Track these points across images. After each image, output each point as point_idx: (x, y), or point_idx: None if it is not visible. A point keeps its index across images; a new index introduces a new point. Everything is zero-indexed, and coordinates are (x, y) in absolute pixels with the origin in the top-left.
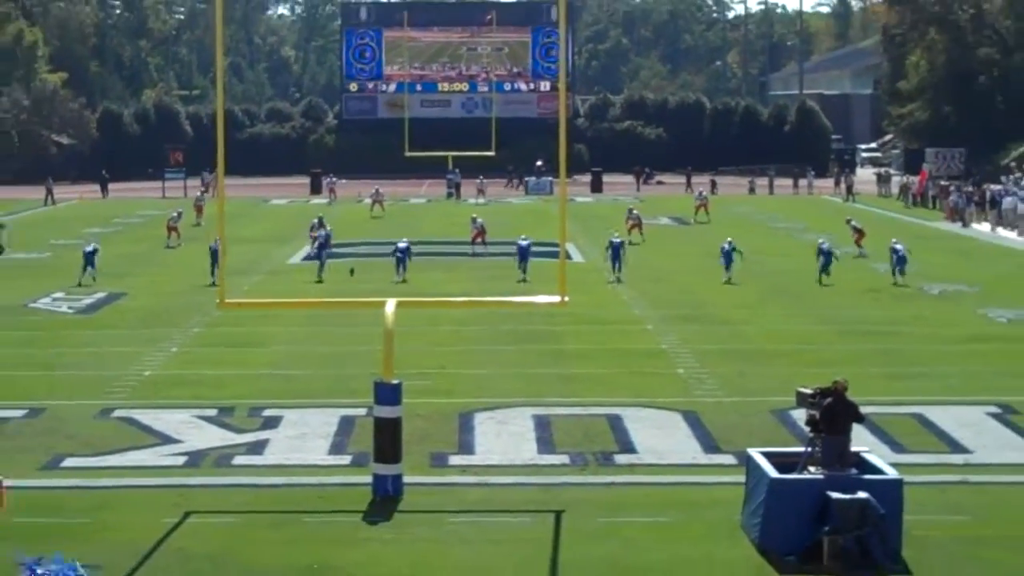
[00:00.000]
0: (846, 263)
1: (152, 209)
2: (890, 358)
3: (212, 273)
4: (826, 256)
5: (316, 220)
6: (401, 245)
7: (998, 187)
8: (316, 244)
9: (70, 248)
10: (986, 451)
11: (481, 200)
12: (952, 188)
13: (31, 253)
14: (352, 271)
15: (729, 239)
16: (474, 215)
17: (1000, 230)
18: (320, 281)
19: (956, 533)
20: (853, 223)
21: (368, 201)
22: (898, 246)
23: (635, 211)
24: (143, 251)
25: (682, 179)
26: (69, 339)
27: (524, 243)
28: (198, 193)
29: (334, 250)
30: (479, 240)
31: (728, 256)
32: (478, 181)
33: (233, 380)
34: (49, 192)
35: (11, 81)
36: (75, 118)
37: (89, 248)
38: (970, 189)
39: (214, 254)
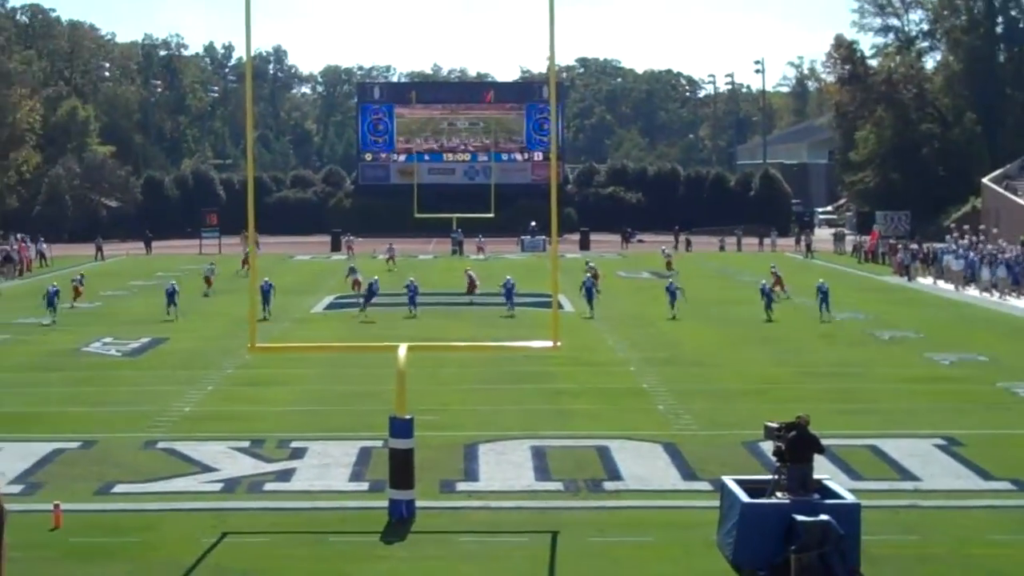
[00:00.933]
0: (803, 312)
1: (191, 264)
2: (846, 396)
3: (264, 308)
4: (767, 296)
5: (348, 268)
6: (413, 284)
7: (940, 245)
8: (366, 290)
9: (119, 299)
10: (933, 479)
11: (481, 256)
12: (899, 246)
13: (84, 303)
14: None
15: (671, 279)
16: (467, 268)
17: (940, 283)
18: (367, 320)
19: (908, 552)
20: (775, 270)
21: (383, 256)
22: (823, 286)
23: (591, 263)
24: (182, 301)
25: (659, 238)
26: (118, 379)
27: (510, 283)
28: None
29: (348, 300)
30: (473, 291)
31: (672, 294)
32: (477, 239)
33: (263, 415)
34: (99, 249)
35: (66, 152)
36: (122, 184)
37: (169, 287)
38: (915, 247)
39: (265, 293)
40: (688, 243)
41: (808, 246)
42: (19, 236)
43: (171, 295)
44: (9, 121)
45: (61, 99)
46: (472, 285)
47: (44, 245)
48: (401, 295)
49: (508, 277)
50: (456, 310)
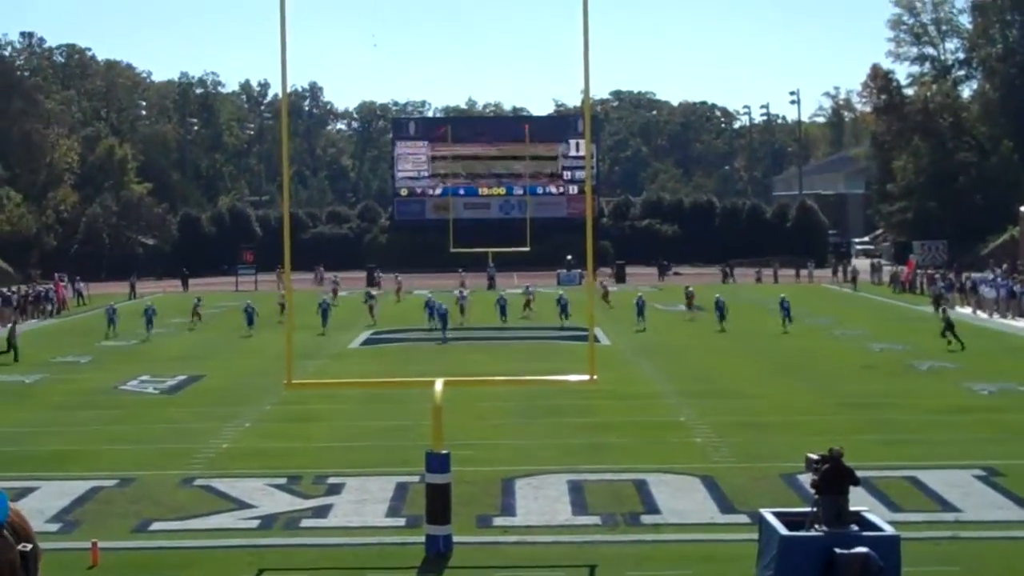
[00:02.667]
0: (842, 343)
1: (227, 301)
2: (885, 427)
3: (324, 325)
4: (720, 308)
5: (366, 294)
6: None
7: (977, 275)
8: (432, 316)
9: (155, 336)
10: (974, 509)
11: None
12: (937, 276)
13: (120, 341)
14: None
15: (640, 294)
16: (462, 290)
17: (979, 313)
18: (444, 341)
19: None
20: (689, 289)
21: (393, 289)
22: (784, 300)
23: (531, 287)
24: (219, 338)
25: (697, 271)
26: (155, 416)
27: (503, 300)
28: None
29: (383, 335)
30: (463, 312)
31: (640, 309)
32: (459, 272)
33: (300, 451)
34: (132, 288)
35: (103, 191)
36: (159, 222)
37: (249, 308)
38: (952, 277)
39: (324, 312)
40: (725, 275)
41: (854, 278)
42: (58, 275)
43: (250, 315)
44: (47, 161)
45: (98, 138)
46: (461, 308)
47: (82, 284)
48: (414, 328)
49: (501, 294)
50: (491, 345)
